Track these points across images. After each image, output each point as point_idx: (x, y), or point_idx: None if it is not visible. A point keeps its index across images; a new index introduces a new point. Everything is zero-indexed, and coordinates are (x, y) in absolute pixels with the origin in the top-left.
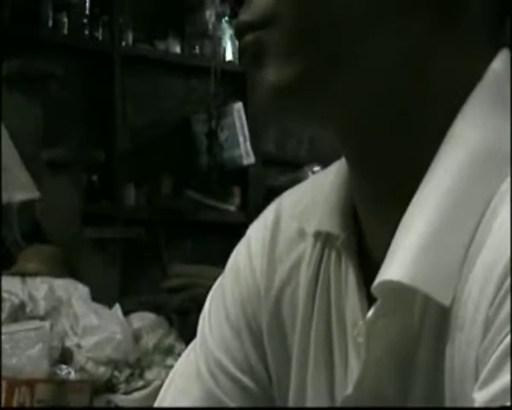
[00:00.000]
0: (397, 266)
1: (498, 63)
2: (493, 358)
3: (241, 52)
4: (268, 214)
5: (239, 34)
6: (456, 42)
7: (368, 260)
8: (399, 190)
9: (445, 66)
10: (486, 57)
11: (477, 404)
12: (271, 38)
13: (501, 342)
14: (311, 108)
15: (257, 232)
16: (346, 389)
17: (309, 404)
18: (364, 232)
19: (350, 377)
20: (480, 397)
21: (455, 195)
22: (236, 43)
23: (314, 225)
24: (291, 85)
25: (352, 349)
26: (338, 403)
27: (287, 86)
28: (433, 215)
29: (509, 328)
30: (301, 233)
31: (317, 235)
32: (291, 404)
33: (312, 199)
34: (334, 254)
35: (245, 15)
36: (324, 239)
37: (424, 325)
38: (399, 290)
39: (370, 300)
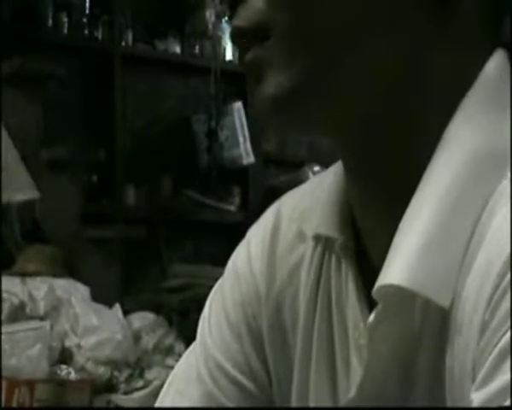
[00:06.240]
0: (396, 270)
1: (493, 63)
2: (490, 359)
3: (244, 71)
4: (268, 217)
5: (234, 38)
6: (454, 42)
7: (367, 262)
8: (397, 192)
9: (443, 67)
10: (484, 58)
11: (474, 405)
12: (270, 53)
13: (498, 342)
14: (314, 115)
15: (257, 235)
16: (349, 391)
17: (311, 406)
18: (363, 235)
19: (352, 379)
20: (478, 398)
21: (452, 196)
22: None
23: (313, 228)
24: (291, 95)
25: (353, 352)
26: (341, 405)
27: (287, 97)
28: (431, 218)
29: (505, 329)
30: (301, 235)
31: (318, 238)
32: (293, 406)
33: (312, 201)
34: (334, 258)
35: (239, 21)
36: (324, 242)
37: (425, 327)
38: (399, 294)
39: (371, 302)
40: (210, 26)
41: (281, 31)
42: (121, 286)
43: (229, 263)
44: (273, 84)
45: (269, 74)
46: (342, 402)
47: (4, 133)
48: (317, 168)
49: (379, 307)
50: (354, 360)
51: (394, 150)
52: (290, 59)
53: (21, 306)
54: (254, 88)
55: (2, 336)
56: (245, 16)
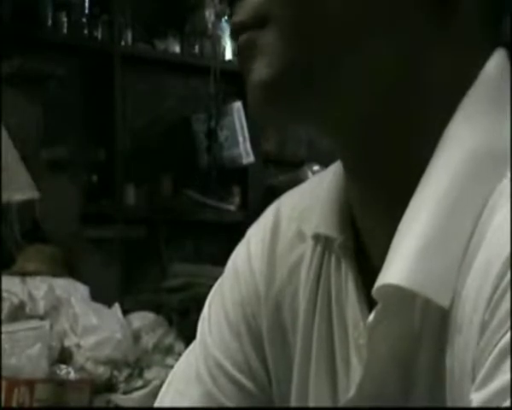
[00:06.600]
0: (396, 270)
1: (493, 63)
2: (490, 359)
3: (237, 55)
4: (267, 216)
5: (234, 35)
6: (454, 42)
7: (367, 262)
8: (397, 192)
9: (443, 67)
10: (484, 57)
11: (474, 405)
12: (265, 38)
13: (497, 342)
14: (314, 115)
15: (256, 234)
16: (348, 390)
17: (311, 405)
18: (362, 235)
19: (352, 378)
20: (477, 398)
21: (452, 196)
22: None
23: (312, 228)
24: (277, 81)
25: (353, 351)
26: (340, 405)
27: (273, 82)
28: (430, 217)
29: (505, 329)
30: (301, 235)
31: (317, 237)
32: (293, 405)
33: (311, 200)
34: (334, 257)
35: (239, 16)
36: (324, 242)
37: (424, 327)
38: (399, 294)
39: (371, 302)
40: (210, 26)
41: (279, 25)
42: (121, 286)
43: (229, 262)
44: (264, 71)
45: (261, 60)
46: (342, 402)
47: (4, 133)
48: (316, 168)
49: (378, 306)
50: (354, 360)
51: (394, 150)
52: (284, 49)
53: (21, 305)
54: (246, 78)
55: (2, 336)
56: (243, 11)
